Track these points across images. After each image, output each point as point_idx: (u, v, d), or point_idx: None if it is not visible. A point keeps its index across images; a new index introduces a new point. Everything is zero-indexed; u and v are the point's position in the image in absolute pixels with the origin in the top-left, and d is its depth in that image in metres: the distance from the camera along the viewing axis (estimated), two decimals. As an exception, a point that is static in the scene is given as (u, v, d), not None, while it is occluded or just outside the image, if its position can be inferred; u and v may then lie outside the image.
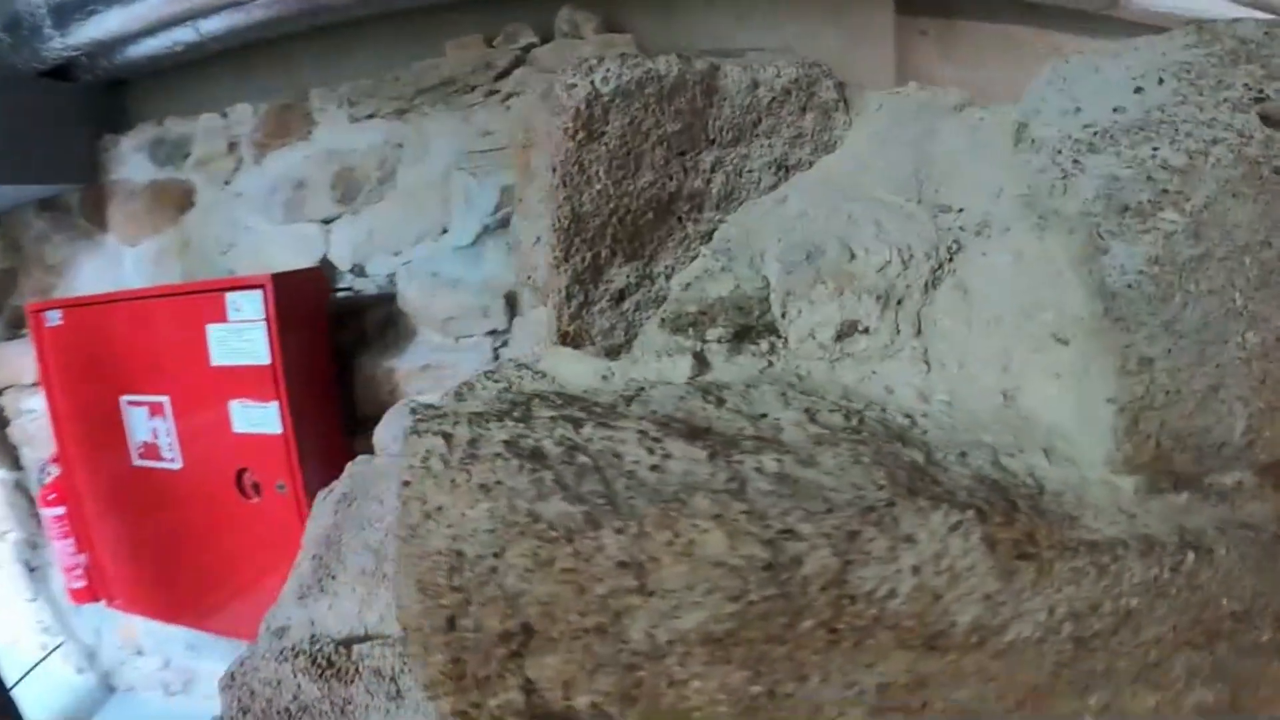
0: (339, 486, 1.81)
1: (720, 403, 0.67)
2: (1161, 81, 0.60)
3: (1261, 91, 0.57)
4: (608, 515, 0.54)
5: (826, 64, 0.85)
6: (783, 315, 0.74)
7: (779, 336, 0.74)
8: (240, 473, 2.42)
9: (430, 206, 2.53)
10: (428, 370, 2.39)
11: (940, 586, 0.54)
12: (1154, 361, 0.57)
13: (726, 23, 2.60)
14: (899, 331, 0.72)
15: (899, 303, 0.72)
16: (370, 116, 2.60)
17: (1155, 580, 0.57)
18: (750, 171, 0.79)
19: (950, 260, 0.72)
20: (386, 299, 2.55)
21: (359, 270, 2.62)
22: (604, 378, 0.77)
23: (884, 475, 0.58)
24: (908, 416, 0.68)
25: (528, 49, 2.43)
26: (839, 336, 0.72)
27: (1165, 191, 0.57)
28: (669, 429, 0.61)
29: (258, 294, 2.27)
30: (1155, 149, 0.58)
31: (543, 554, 0.54)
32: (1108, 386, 0.59)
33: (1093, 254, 0.59)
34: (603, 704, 0.57)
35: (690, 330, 0.75)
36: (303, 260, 2.65)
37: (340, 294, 2.61)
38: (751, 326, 0.74)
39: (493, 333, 2.38)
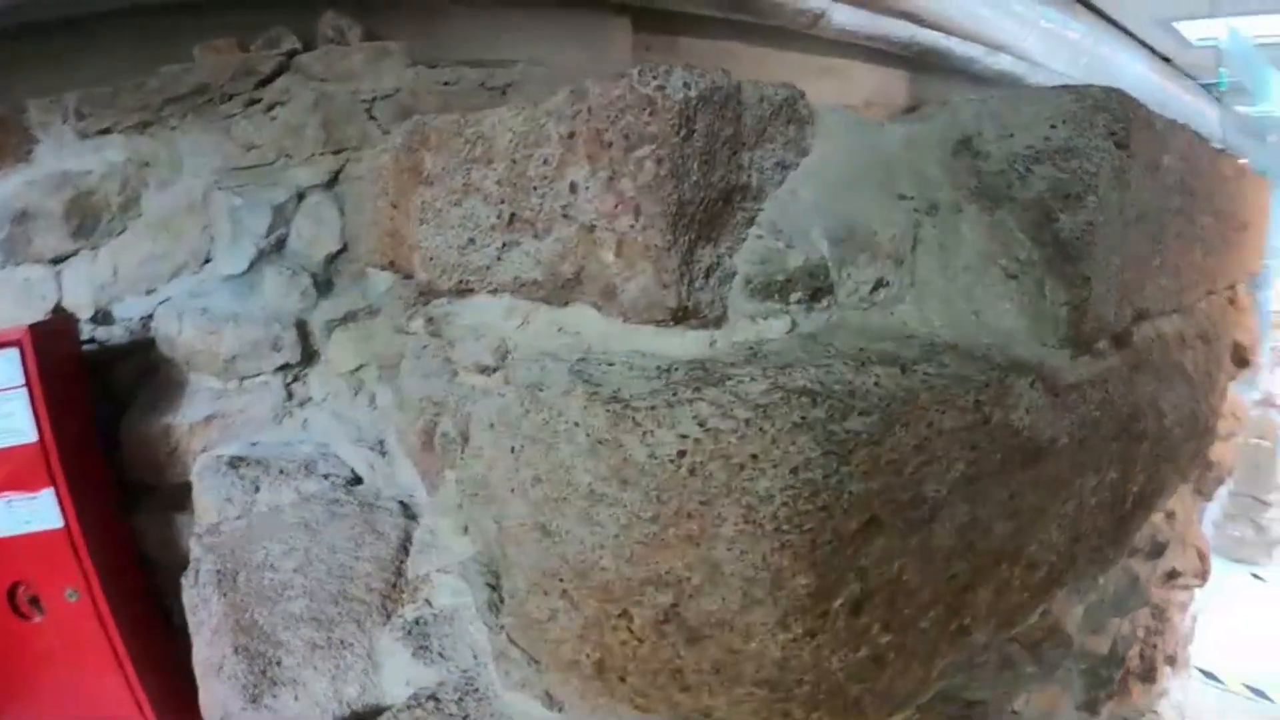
0: (201, 566, 1.80)
1: (838, 350, 1.01)
2: (1065, 122, 1.07)
3: (1113, 131, 1.05)
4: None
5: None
6: (837, 278, 1.09)
7: (833, 295, 1.10)
8: (12, 589, 2.02)
9: (188, 234, 2.31)
10: (213, 421, 2.21)
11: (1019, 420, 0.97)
12: (1089, 279, 1.04)
13: (485, 36, 2.70)
14: (904, 283, 1.12)
15: (902, 263, 1.11)
16: (106, 131, 2.32)
17: (1102, 400, 1.07)
18: (765, 170, 1.10)
19: (917, 230, 1.13)
20: (143, 346, 2.27)
21: (103, 317, 2.32)
22: (711, 344, 1.05)
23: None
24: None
25: (291, 54, 2.33)
26: (874, 289, 1.10)
27: (1085, 185, 1.04)
28: (859, 358, 0.96)
29: (12, 353, 1.92)
30: (1075, 161, 1.04)
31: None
32: (1061, 296, 1.05)
33: (1045, 222, 1.05)
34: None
35: (777, 296, 1.07)
36: (27, 313, 2.27)
37: (84, 347, 2.28)
38: (820, 288, 1.09)
39: (284, 368, 2.24)
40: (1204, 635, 4.81)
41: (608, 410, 0.90)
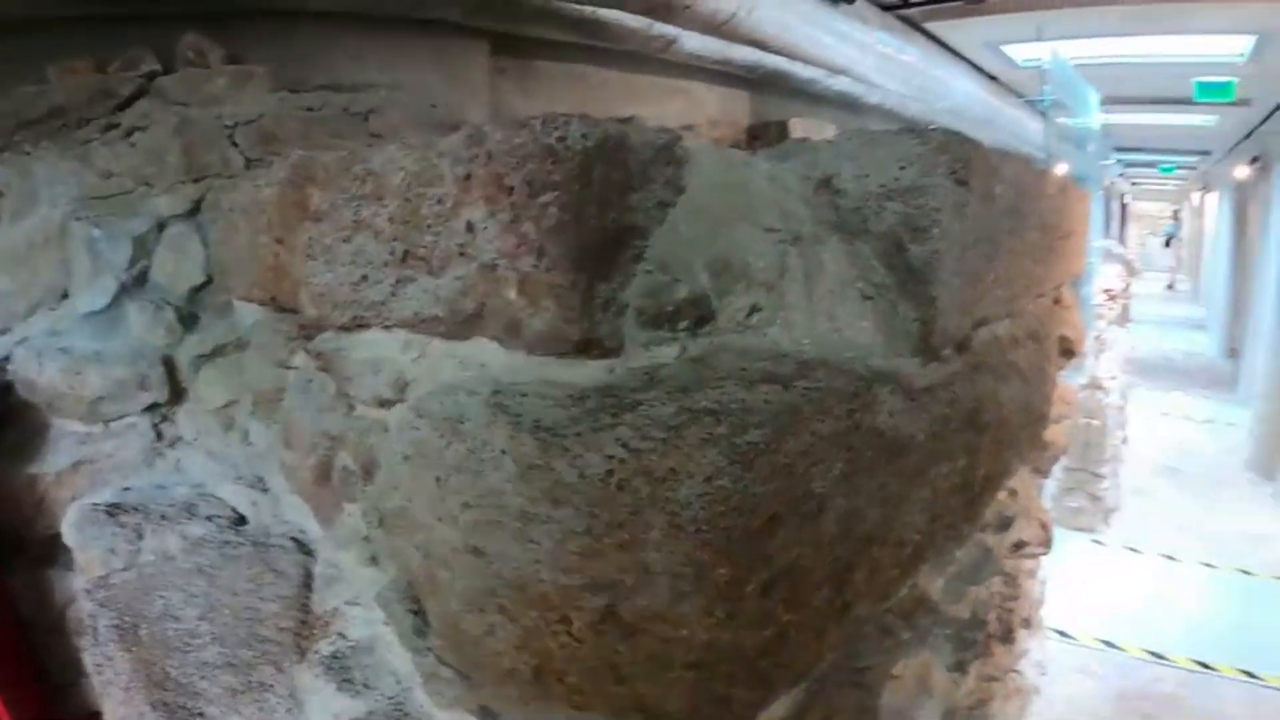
0: (98, 623, 1.80)
1: (724, 371, 1.16)
2: (913, 164, 1.24)
3: (954, 170, 1.23)
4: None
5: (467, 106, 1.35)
6: (718, 305, 1.24)
7: (714, 321, 1.24)
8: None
9: (44, 268, 2.19)
10: (81, 468, 2.09)
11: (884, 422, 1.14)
12: (935, 298, 1.22)
13: (344, 61, 2.71)
14: (774, 307, 1.28)
15: (772, 289, 1.27)
16: (-52, 157, 2.16)
17: (950, 399, 1.25)
18: (650, 209, 1.23)
19: (785, 260, 1.29)
20: (1, 391, 2.14)
21: (-52, 362, 2.16)
22: (611, 371, 1.18)
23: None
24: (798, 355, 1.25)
25: (151, 76, 2.27)
26: (749, 314, 1.25)
27: (930, 219, 1.22)
28: (745, 378, 1.11)
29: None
30: (922, 199, 1.22)
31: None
32: (912, 313, 1.23)
33: (897, 251, 1.22)
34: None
35: (666, 325, 1.21)
36: None
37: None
38: (703, 316, 1.23)
39: (152, 407, 2.14)
40: (1054, 599, 5.26)
41: (536, 439, 1.03)
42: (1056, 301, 2.56)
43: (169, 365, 2.15)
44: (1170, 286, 30.17)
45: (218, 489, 2.09)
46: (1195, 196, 25.00)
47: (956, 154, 1.29)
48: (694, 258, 1.23)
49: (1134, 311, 18.93)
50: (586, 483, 1.00)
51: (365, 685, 1.57)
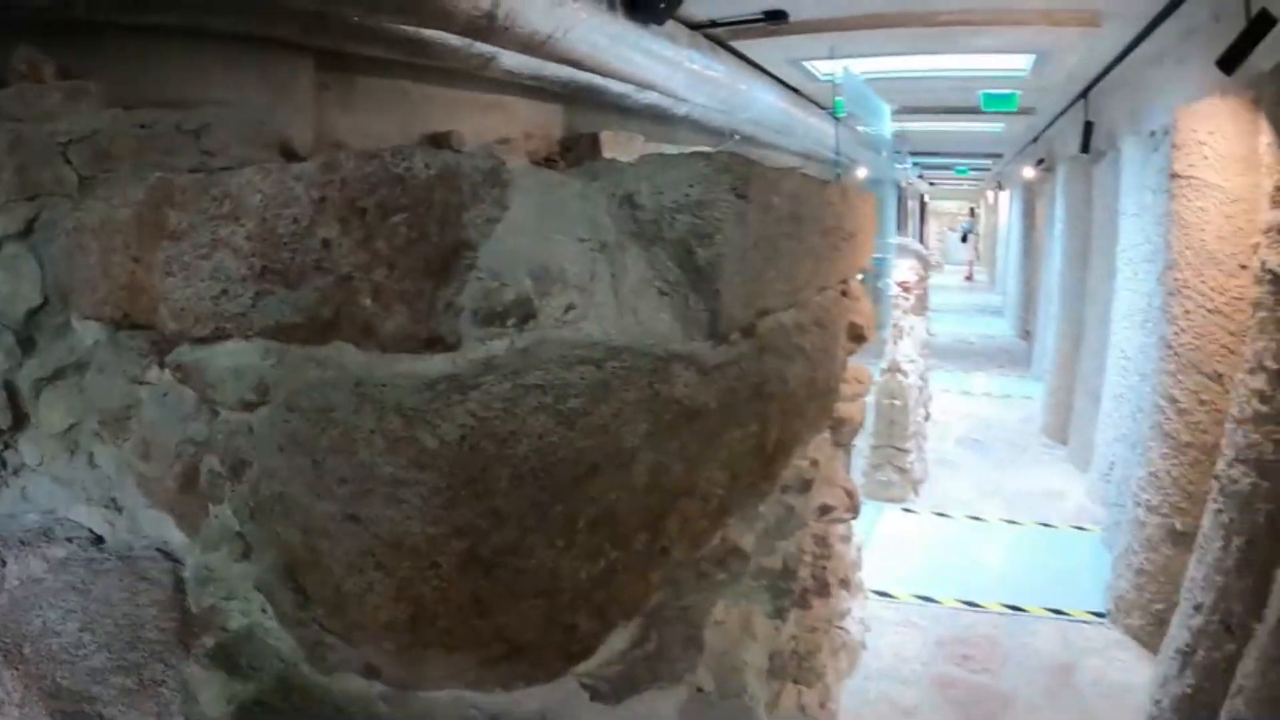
0: None
1: (548, 357, 1.40)
2: (700, 183, 1.52)
3: (735, 186, 1.52)
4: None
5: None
6: (539, 306, 1.48)
7: (537, 318, 1.48)
8: None
9: None
10: None
11: (680, 392, 1.41)
12: (720, 292, 1.50)
13: (175, 77, 2.78)
14: (587, 305, 1.53)
15: (584, 290, 1.52)
16: None
17: (737, 375, 1.53)
18: (480, 225, 1.44)
19: (594, 265, 1.54)
20: None
21: None
22: (454, 363, 1.40)
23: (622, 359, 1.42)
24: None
25: None
26: (566, 311, 1.50)
27: (714, 228, 1.50)
28: (565, 361, 1.36)
29: None
30: (707, 211, 1.50)
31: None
32: (701, 305, 1.50)
33: (687, 254, 1.49)
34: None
35: (497, 322, 1.44)
36: None
37: None
38: (527, 314, 1.47)
39: None
40: (874, 564, 5.73)
41: (401, 416, 1.25)
42: (844, 293, 2.91)
43: (10, 390, 2.17)
44: (969, 278, 32.20)
45: (69, 512, 2.13)
46: (990, 195, 26.90)
47: (738, 173, 1.58)
48: (518, 265, 1.46)
49: (937, 301, 20.29)
50: (445, 447, 1.23)
51: (252, 668, 1.71)
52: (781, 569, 2.38)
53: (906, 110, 9.55)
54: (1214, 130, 4.86)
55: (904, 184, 15.39)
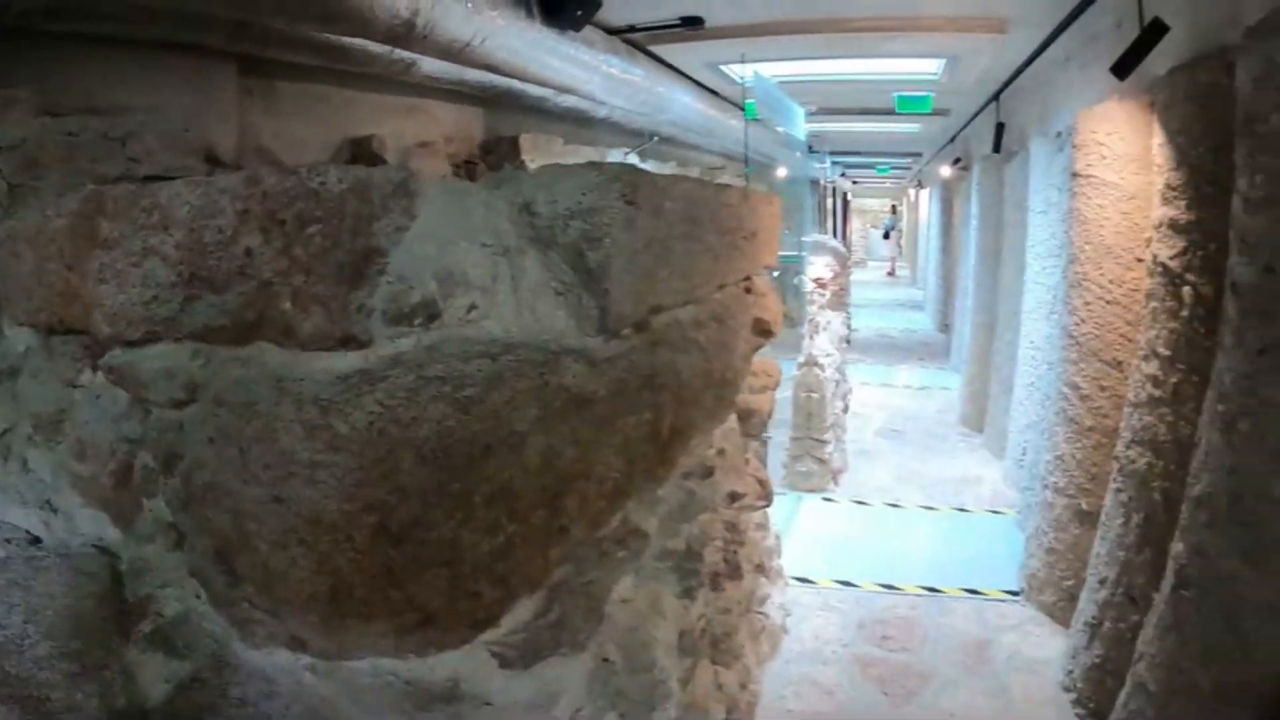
0: None
1: (450, 352, 1.56)
2: (592, 191, 1.69)
3: (624, 194, 1.69)
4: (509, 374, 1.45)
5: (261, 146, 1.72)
6: (444, 307, 1.63)
7: (442, 318, 1.63)
8: None
9: None
10: None
11: (570, 381, 1.58)
12: (609, 291, 1.67)
13: (102, 84, 2.85)
14: (489, 305, 1.68)
15: (486, 291, 1.68)
16: None
17: (627, 366, 1.69)
18: (390, 233, 1.59)
19: (496, 268, 1.70)
20: None
21: None
22: (366, 359, 1.55)
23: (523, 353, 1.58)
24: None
25: None
26: (469, 311, 1.65)
27: (604, 233, 1.67)
28: (465, 355, 1.51)
29: None
30: (597, 217, 1.67)
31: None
32: (593, 303, 1.67)
33: (579, 257, 1.66)
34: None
35: (405, 321, 1.59)
36: None
37: None
38: (433, 314, 1.62)
39: None
40: (795, 552, 5.96)
41: (317, 406, 1.41)
42: (747, 290, 3.09)
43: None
44: (891, 273, 32.92)
45: (6, 515, 2.20)
46: (912, 193, 27.50)
47: (627, 181, 1.75)
48: (425, 269, 1.61)
49: (860, 297, 20.80)
50: (355, 433, 1.39)
51: (188, 649, 1.85)
52: (686, 550, 2.56)
53: (825, 111, 9.83)
54: (1111, 131, 5.11)
55: (824, 182, 15.71)
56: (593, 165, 1.78)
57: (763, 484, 3.81)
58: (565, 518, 1.66)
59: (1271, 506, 2.37)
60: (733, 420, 3.26)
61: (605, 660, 2.05)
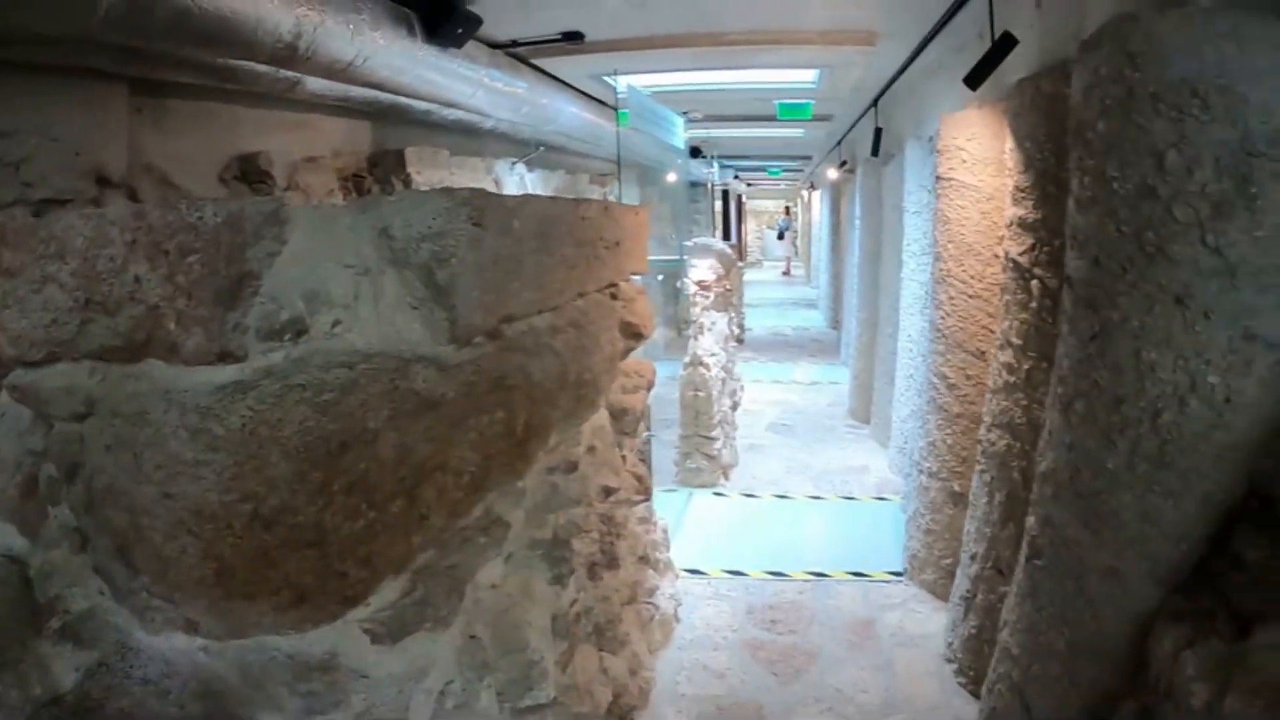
0: None
1: (314, 363, 1.80)
2: (441, 215, 1.94)
3: (471, 217, 1.95)
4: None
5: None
6: (310, 323, 1.87)
7: (309, 333, 1.86)
8: None
9: None
10: None
11: (419, 385, 1.84)
12: (456, 305, 1.94)
13: None
14: (352, 320, 1.92)
15: (349, 308, 1.92)
16: None
17: (476, 370, 1.97)
18: (262, 259, 1.82)
19: (358, 287, 1.94)
20: None
21: None
22: (242, 371, 1.79)
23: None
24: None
25: None
26: (333, 326, 1.89)
27: (451, 253, 1.93)
28: (326, 365, 1.76)
29: None
30: (445, 239, 1.92)
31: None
32: (443, 316, 1.93)
33: (430, 276, 1.92)
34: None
35: (275, 337, 1.83)
36: None
37: None
38: (301, 330, 1.85)
39: None
40: (686, 545, 6.21)
41: (197, 412, 1.65)
42: (613, 297, 3.36)
43: None
44: (786, 273, 33.45)
45: None
46: (805, 194, 28.03)
47: (475, 205, 2.02)
48: (294, 290, 1.85)
49: (755, 296, 21.09)
50: (231, 434, 1.64)
51: (94, 640, 2.06)
52: (553, 539, 2.81)
53: (711, 118, 10.14)
54: (971, 136, 5.42)
55: (712, 186, 16.05)
56: (445, 191, 2.03)
57: (641, 480, 4.05)
58: (424, 507, 1.92)
59: (1106, 478, 2.56)
60: (604, 418, 3.51)
61: (473, 637, 2.30)
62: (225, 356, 1.79)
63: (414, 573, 2.02)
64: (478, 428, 2.05)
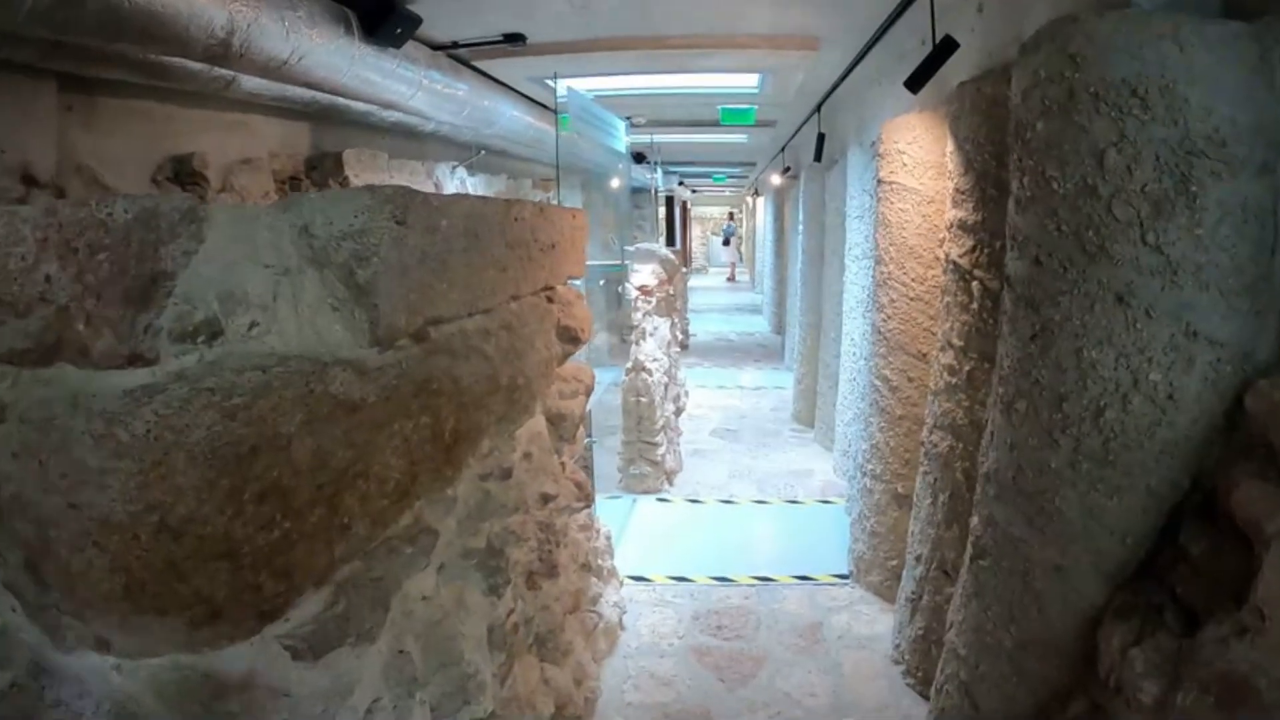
0: None
1: (227, 366, 1.74)
2: (363, 213, 1.89)
3: (394, 214, 1.89)
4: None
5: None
6: (226, 325, 1.80)
7: (224, 335, 1.80)
8: None
9: None
10: None
11: (337, 389, 1.78)
12: (378, 306, 1.88)
13: None
14: (270, 321, 1.86)
15: (267, 309, 1.86)
16: None
17: (399, 374, 1.91)
18: (178, 258, 1.76)
19: (278, 287, 1.88)
20: None
21: None
22: (153, 375, 1.72)
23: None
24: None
25: None
26: (250, 328, 1.83)
27: (372, 252, 1.87)
28: (240, 369, 1.69)
29: None
30: (367, 238, 1.87)
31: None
32: (364, 317, 1.87)
33: (350, 275, 1.86)
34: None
35: (189, 339, 1.76)
36: None
37: None
38: (215, 332, 1.79)
39: None
40: (629, 551, 6.19)
41: (103, 418, 1.57)
42: (550, 300, 3.31)
43: None
44: (731, 279, 33.74)
45: None
46: (750, 200, 28.27)
47: (398, 203, 1.96)
48: (209, 291, 1.78)
49: (701, 302, 21.17)
50: (136, 440, 1.57)
51: (7, 660, 1.95)
52: (488, 548, 2.76)
53: (655, 124, 10.17)
54: (912, 140, 5.46)
55: (656, 191, 16.11)
56: (369, 188, 1.98)
57: (581, 486, 4.01)
58: (346, 515, 1.85)
59: (1048, 477, 2.59)
60: (541, 424, 3.46)
61: (401, 652, 2.24)
62: (136, 359, 1.71)
63: (337, 585, 1.95)
64: (402, 433, 2.00)
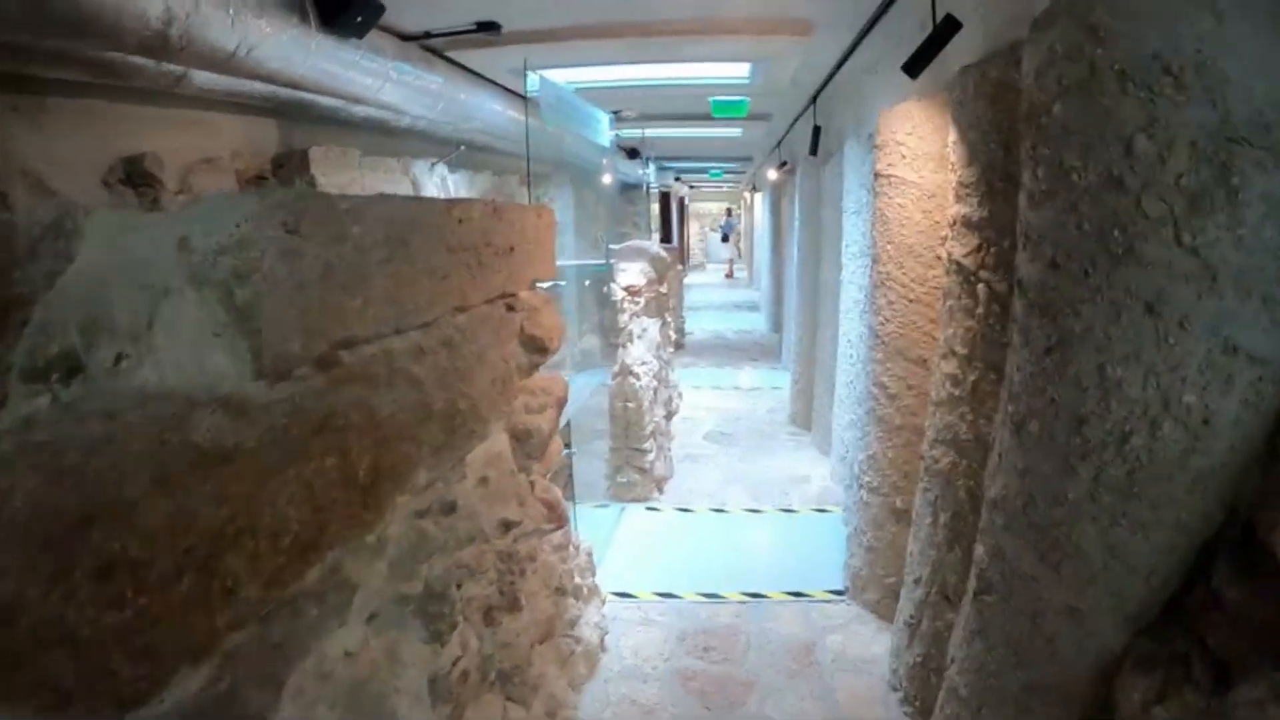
0: None
1: (75, 412, 1.47)
2: (247, 221, 1.62)
3: (285, 223, 1.62)
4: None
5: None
6: (85, 359, 1.54)
7: (85, 371, 1.54)
8: None
9: None
10: None
11: (200, 437, 1.51)
12: (260, 330, 1.60)
13: None
14: (143, 353, 1.60)
15: (138, 338, 1.59)
16: None
17: (290, 411, 1.63)
18: (38, 280, 1.53)
19: (156, 311, 1.62)
20: None
21: None
22: (-1, 422, 1.47)
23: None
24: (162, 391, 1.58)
25: None
26: (116, 362, 1.57)
27: (253, 267, 1.59)
28: (83, 416, 1.43)
29: None
30: (248, 251, 1.59)
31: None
32: (244, 345, 1.60)
33: (229, 295, 1.58)
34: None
35: (41, 378, 1.50)
36: None
37: None
38: (73, 367, 1.53)
39: None
40: (615, 566, 5.96)
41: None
42: (510, 309, 3.05)
43: None
44: (729, 275, 33.67)
45: None
46: (747, 196, 28.11)
47: (291, 208, 1.70)
48: (70, 318, 1.53)
49: (698, 299, 21.03)
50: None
51: None
52: (425, 593, 2.48)
53: (646, 118, 9.87)
54: (911, 131, 5.25)
55: (649, 188, 15.90)
56: (258, 192, 1.72)
57: (552, 507, 3.76)
58: (229, 579, 1.59)
59: (1065, 509, 2.37)
60: (502, 444, 3.20)
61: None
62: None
63: (223, 656, 1.68)
64: (300, 478, 1.73)
